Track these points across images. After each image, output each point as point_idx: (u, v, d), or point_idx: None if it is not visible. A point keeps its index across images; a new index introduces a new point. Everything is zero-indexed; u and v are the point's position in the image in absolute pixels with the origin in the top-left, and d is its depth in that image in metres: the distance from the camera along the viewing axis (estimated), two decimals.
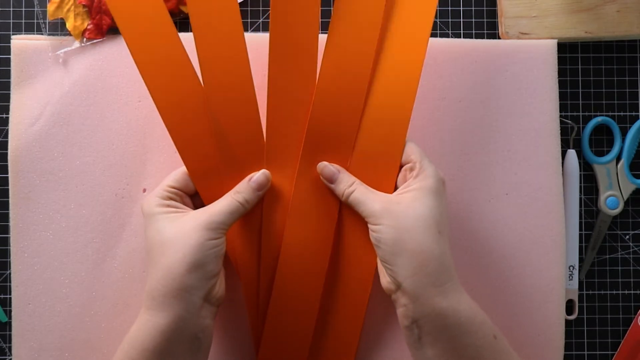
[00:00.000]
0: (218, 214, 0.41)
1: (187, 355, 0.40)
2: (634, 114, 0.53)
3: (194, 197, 0.45)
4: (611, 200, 0.52)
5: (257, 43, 0.49)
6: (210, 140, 0.44)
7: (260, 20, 0.52)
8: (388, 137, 0.45)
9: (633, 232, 0.52)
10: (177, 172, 0.45)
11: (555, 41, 0.51)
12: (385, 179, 0.45)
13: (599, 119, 0.52)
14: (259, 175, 0.44)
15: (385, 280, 0.42)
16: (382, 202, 0.42)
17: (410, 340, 0.41)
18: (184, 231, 0.40)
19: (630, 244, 0.52)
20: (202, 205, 0.44)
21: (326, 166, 0.44)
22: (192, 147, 0.44)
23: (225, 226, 0.41)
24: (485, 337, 0.40)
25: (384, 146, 0.45)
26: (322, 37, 0.51)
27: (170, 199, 0.43)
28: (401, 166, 0.45)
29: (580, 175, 0.52)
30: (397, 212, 0.41)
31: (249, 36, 0.50)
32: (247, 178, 0.44)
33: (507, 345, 0.41)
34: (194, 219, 0.41)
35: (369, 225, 0.42)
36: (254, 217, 0.45)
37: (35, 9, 0.51)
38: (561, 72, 0.52)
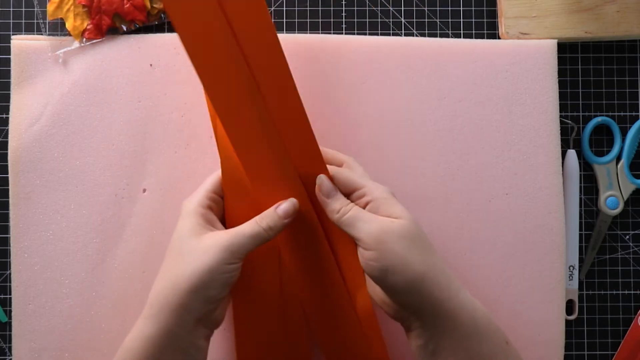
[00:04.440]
0: (240, 236, 0.40)
1: None
2: (634, 114, 0.53)
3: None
4: (611, 200, 0.52)
5: None
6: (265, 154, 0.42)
7: None
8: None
9: (633, 232, 0.52)
10: (216, 176, 0.44)
11: (555, 41, 0.51)
12: None
13: (599, 119, 0.52)
14: (287, 204, 0.41)
15: (393, 308, 0.40)
16: (379, 225, 0.39)
17: (422, 358, 0.40)
18: (203, 248, 0.39)
19: (630, 244, 0.52)
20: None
21: (324, 181, 0.42)
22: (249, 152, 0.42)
23: (244, 250, 0.40)
24: (499, 344, 0.40)
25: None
26: (322, 37, 0.51)
27: (209, 207, 0.42)
28: (349, 195, 0.42)
29: (580, 175, 0.52)
30: (391, 238, 0.39)
31: None
32: (274, 206, 0.42)
33: (516, 351, 0.41)
34: (215, 238, 0.40)
35: (364, 253, 0.39)
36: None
37: (35, 9, 0.51)
38: (561, 72, 0.52)
